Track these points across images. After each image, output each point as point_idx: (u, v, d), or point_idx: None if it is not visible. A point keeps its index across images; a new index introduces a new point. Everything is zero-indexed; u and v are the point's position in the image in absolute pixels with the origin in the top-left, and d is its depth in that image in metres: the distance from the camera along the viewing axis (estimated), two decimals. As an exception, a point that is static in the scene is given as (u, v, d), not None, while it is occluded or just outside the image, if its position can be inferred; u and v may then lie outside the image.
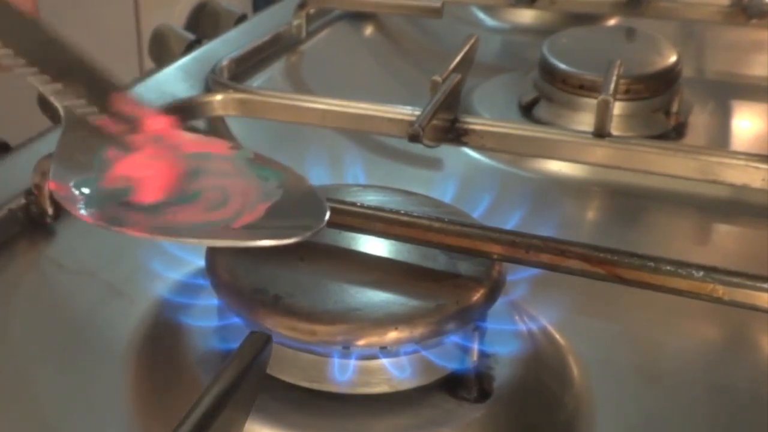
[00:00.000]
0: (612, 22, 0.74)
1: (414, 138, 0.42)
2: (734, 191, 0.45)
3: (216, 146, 0.35)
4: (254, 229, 0.30)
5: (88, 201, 0.33)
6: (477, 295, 0.32)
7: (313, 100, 0.49)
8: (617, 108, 0.48)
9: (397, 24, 0.73)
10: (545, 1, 0.66)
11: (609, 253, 0.31)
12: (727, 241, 0.47)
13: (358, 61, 0.68)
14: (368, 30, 0.72)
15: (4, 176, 0.45)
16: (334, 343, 0.30)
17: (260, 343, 0.28)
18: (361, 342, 0.30)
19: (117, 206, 0.33)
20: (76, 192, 0.33)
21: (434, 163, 0.50)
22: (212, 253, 0.34)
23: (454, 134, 0.46)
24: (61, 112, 0.35)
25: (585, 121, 0.50)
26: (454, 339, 0.32)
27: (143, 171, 0.33)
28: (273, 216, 0.31)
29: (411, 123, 0.42)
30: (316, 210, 0.31)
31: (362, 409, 0.31)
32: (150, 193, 0.32)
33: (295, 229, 0.30)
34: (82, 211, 0.32)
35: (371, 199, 0.36)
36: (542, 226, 0.34)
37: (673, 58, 0.55)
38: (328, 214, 0.31)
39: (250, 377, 0.27)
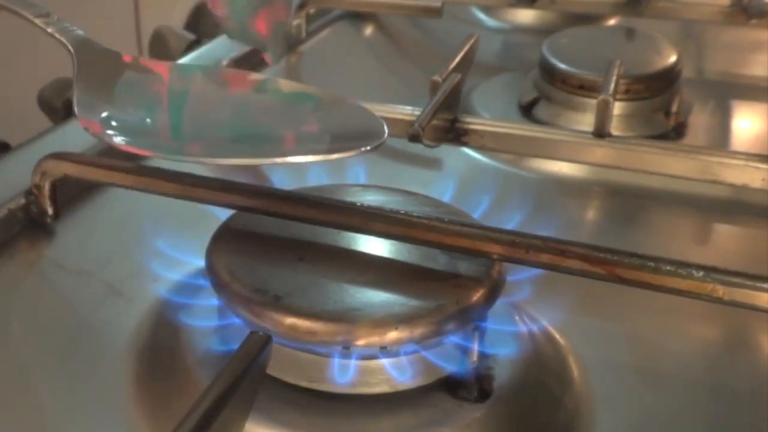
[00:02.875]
0: (612, 22, 0.74)
1: (414, 138, 0.42)
2: (734, 191, 0.45)
3: (237, 78, 0.35)
4: (311, 145, 0.31)
5: (122, 131, 0.32)
6: (477, 295, 0.32)
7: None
8: (617, 108, 0.48)
9: (397, 24, 0.72)
10: (545, 1, 0.66)
11: (609, 253, 0.31)
12: (727, 241, 0.47)
13: (358, 61, 0.68)
14: (368, 30, 0.72)
15: (4, 176, 0.45)
16: (334, 343, 0.30)
17: (260, 343, 0.28)
18: (361, 342, 0.30)
19: (149, 135, 0.32)
20: (106, 125, 0.32)
21: (434, 163, 0.50)
22: (212, 254, 0.34)
23: (454, 134, 0.46)
24: (70, 47, 0.34)
25: (585, 121, 0.50)
26: (454, 339, 0.32)
27: (169, 101, 0.33)
28: (323, 135, 0.32)
29: (411, 123, 0.42)
30: (371, 122, 0.32)
31: (362, 409, 0.31)
32: (180, 124, 0.32)
33: (358, 141, 0.30)
34: (119, 140, 0.32)
35: (371, 199, 0.36)
36: (542, 226, 0.34)
37: (673, 58, 0.55)
38: (385, 127, 0.31)
39: (250, 377, 0.27)
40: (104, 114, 0.33)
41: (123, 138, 0.32)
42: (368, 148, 0.31)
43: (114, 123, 0.32)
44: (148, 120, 0.33)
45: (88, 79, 0.34)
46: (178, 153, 0.32)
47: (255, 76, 0.36)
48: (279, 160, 0.33)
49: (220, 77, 0.36)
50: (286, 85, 0.36)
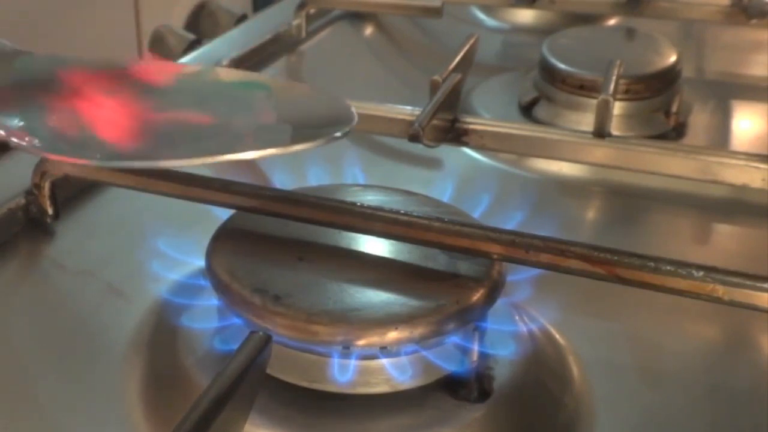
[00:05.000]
0: (612, 22, 0.74)
1: (414, 138, 0.42)
2: (734, 191, 0.45)
3: (170, 70, 0.32)
4: (269, 137, 0.28)
5: (47, 139, 0.29)
6: (477, 295, 0.32)
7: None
8: (617, 108, 0.48)
9: (397, 24, 0.72)
10: (545, 1, 0.66)
11: (609, 253, 0.31)
12: (727, 241, 0.47)
13: (358, 61, 0.68)
14: (368, 30, 0.72)
15: (4, 176, 0.45)
16: (334, 343, 0.30)
17: (260, 343, 0.28)
18: (361, 342, 0.30)
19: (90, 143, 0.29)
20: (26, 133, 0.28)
21: (434, 163, 0.50)
22: (212, 254, 0.34)
23: (454, 134, 0.46)
24: None
25: (585, 121, 0.50)
26: (454, 339, 0.32)
27: (101, 107, 0.30)
28: (282, 125, 0.29)
29: (411, 123, 0.42)
30: (335, 107, 0.29)
31: (362, 409, 0.31)
32: (115, 129, 0.29)
33: (323, 129, 0.27)
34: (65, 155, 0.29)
35: (371, 199, 0.36)
36: (542, 226, 0.34)
37: (673, 58, 0.55)
38: (353, 110, 0.28)
39: (250, 377, 0.27)
40: (19, 121, 0.29)
41: (52, 147, 0.29)
42: (338, 134, 0.28)
43: (34, 130, 0.29)
44: (74, 123, 0.30)
45: None
46: (114, 158, 0.29)
47: (188, 66, 0.32)
48: (231, 156, 0.29)
49: (136, 70, 0.32)
50: (226, 74, 0.33)
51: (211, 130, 0.30)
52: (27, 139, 0.29)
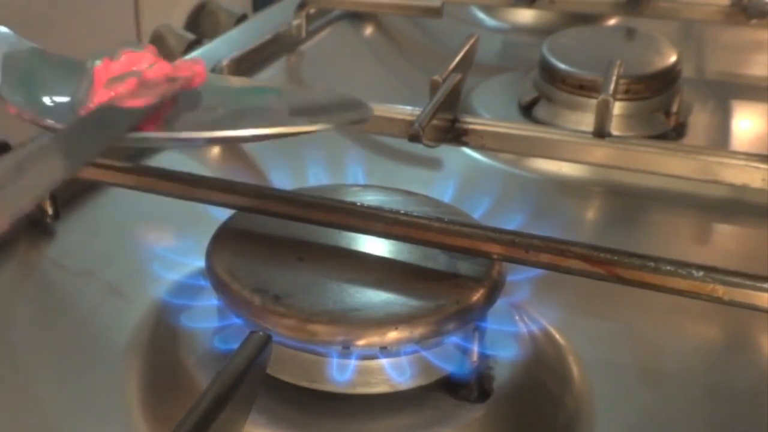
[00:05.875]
0: (612, 22, 0.74)
1: (414, 138, 0.42)
2: (734, 191, 0.45)
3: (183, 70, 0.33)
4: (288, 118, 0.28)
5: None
6: (477, 295, 0.32)
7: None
8: (617, 108, 0.48)
9: (397, 24, 0.73)
10: (545, 1, 0.66)
11: (609, 253, 0.31)
12: (727, 241, 0.47)
13: (358, 61, 0.68)
14: (368, 30, 0.72)
15: (4, 176, 0.45)
16: (334, 343, 0.30)
17: (260, 343, 0.28)
18: (361, 342, 0.30)
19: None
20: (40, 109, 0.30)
21: (434, 163, 0.50)
22: (212, 254, 0.34)
23: (454, 134, 0.46)
24: None
25: (585, 121, 0.50)
26: (454, 339, 0.32)
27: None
28: (302, 109, 0.29)
29: (411, 123, 0.42)
30: (348, 98, 0.29)
31: (362, 409, 0.31)
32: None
33: (340, 115, 0.28)
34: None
35: (371, 199, 0.36)
36: (542, 226, 0.34)
37: (673, 58, 0.55)
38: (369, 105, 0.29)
39: (250, 377, 0.27)
40: (37, 99, 0.31)
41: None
42: (358, 117, 0.29)
43: (50, 108, 0.31)
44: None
45: (12, 67, 0.32)
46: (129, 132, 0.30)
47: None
48: (262, 131, 0.29)
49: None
50: (236, 81, 0.33)
51: (225, 117, 0.30)
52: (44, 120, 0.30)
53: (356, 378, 0.31)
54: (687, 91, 0.56)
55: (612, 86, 0.46)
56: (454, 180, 0.44)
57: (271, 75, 0.61)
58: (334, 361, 0.31)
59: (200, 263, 0.34)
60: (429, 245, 0.34)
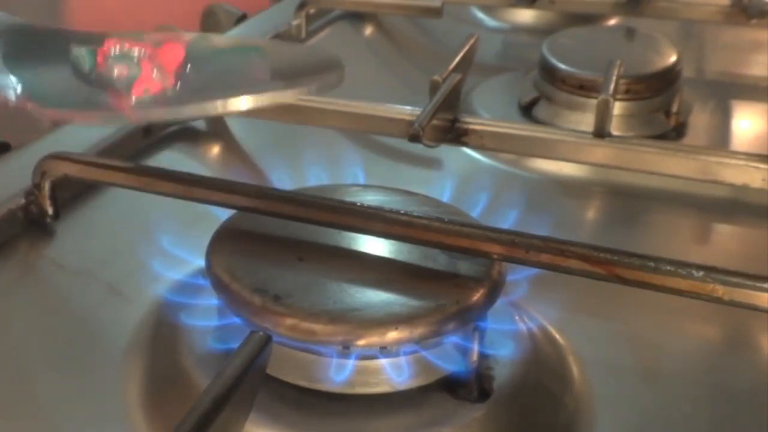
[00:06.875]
0: (612, 22, 0.74)
1: (414, 138, 0.42)
2: (734, 191, 0.45)
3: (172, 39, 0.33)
4: (265, 87, 0.29)
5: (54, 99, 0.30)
6: (477, 295, 0.32)
7: (313, 100, 0.49)
8: (617, 108, 0.48)
9: (397, 24, 0.72)
10: (545, 1, 0.66)
11: (609, 253, 0.31)
12: (727, 241, 0.47)
13: (358, 61, 0.68)
14: (368, 30, 0.72)
15: (4, 176, 0.45)
16: (334, 343, 0.30)
17: (260, 343, 0.28)
18: (360, 342, 0.30)
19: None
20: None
21: (434, 163, 0.50)
22: (212, 254, 0.34)
23: (454, 134, 0.46)
24: None
25: (585, 121, 0.50)
26: (454, 339, 0.32)
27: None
28: (278, 79, 0.30)
29: (411, 123, 0.42)
30: (325, 58, 0.30)
31: (362, 409, 0.31)
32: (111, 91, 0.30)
33: (314, 78, 0.29)
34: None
35: (371, 199, 0.36)
36: (542, 226, 0.34)
37: (673, 58, 0.55)
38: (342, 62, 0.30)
39: (250, 377, 0.27)
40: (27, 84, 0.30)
41: (64, 106, 0.30)
42: (325, 83, 0.30)
43: (43, 91, 0.31)
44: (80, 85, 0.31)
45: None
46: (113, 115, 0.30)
47: (186, 35, 0.34)
48: (225, 105, 0.30)
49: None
50: (219, 41, 0.34)
51: (206, 85, 0.31)
52: (30, 104, 0.30)
53: (356, 378, 0.31)
54: (687, 91, 0.56)
55: (612, 86, 0.46)
56: (454, 180, 0.44)
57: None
58: (334, 361, 0.31)
59: (200, 263, 0.34)
60: (429, 245, 0.34)
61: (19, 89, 0.30)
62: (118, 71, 0.31)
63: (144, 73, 0.31)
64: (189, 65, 0.32)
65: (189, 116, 0.31)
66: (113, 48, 0.32)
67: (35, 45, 0.33)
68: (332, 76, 0.31)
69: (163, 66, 0.32)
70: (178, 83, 0.31)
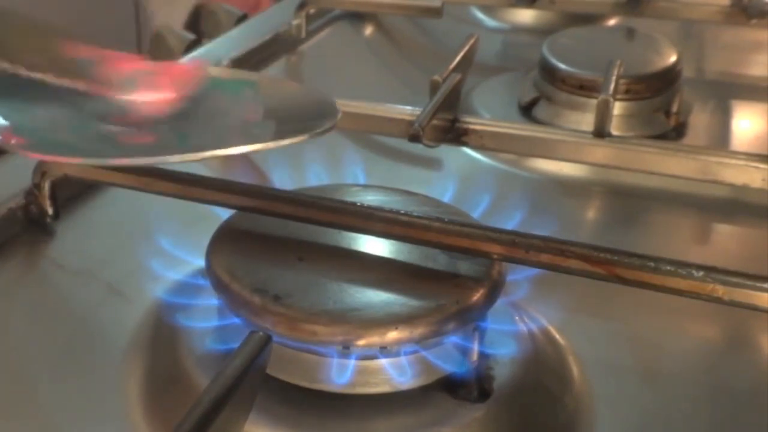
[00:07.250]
0: (612, 22, 0.74)
1: (414, 138, 0.42)
2: (734, 191, 0.45)
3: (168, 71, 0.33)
4: (257, 133, 0.29)
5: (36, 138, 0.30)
6: (477, 295, 0.32)
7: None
8: (617, 108, 0.48)
9: (397, 24, 0.73)
10: (545, 1, 0.66)
11: (609, 253, 0.31)
12: (727, 241, 0.47)
13: (358, 61, 0.68)
14: (368, 30, 0.72)
15: (4, 176, 0.45)
16: (334, 343, 0.30)
17: (260, 343, 0.28)
18: (361, 342, 0.30)
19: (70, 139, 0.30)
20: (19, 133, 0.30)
21: (434, 163, 0.50)
22: (212, 254, 0.34)
23: (454, 134, 0.46)
24: None
25: (585, 121, 0.50)
26: (454, 339, 0.32)
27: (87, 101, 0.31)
28: (271, 120, 0.30)
29: (411, 123, 0.42)
30: (320, 102, 0.30)
31: (362, 409, 0.31)
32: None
33: (308, 124, 0.29)
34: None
35: (371, 199, 0.36)
36: (542, 226, 0.34)
37: (673, 58, 0.55)
38: (337, 106, 0.29)
39: (250, 377, 0.27)
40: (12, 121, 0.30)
41: (41, 146, 0.29)
42: (319, 130, 0.30)
43: (26, 129, 0.30)
44: (67, 122, 0.31)
45: None
46: (105, 155, 0.30)
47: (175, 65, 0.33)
48: (219, 152, 0.30)
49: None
50: (214, 71, 0.34)
51: (200, 126, 0.31)
52: (14, 140, 0.29)
53: (356, 378, 0.31)
54: (687, 91, 0.56)
55: (612, 86, 0.46)
56: (454, 180, 0.44)
57: (271, 75, 0.61)
58: (334, 361, 0.31)
59: (200, 262, 0.34)
60: (429, 245, 0.34)
61: (2, 121, 0.30)
62: (106, 114, 0.31)
63: (132, 115, 0.31)
64: (179, 105, 0.32)
65: (178, 161, 0.30)
66: (102, 89, 0.31)
67: (23, 83, 0.33)
68: (326, 125, 0.30)
69: (151, 108, 0.31)
70: (167, 126, 0.31)
